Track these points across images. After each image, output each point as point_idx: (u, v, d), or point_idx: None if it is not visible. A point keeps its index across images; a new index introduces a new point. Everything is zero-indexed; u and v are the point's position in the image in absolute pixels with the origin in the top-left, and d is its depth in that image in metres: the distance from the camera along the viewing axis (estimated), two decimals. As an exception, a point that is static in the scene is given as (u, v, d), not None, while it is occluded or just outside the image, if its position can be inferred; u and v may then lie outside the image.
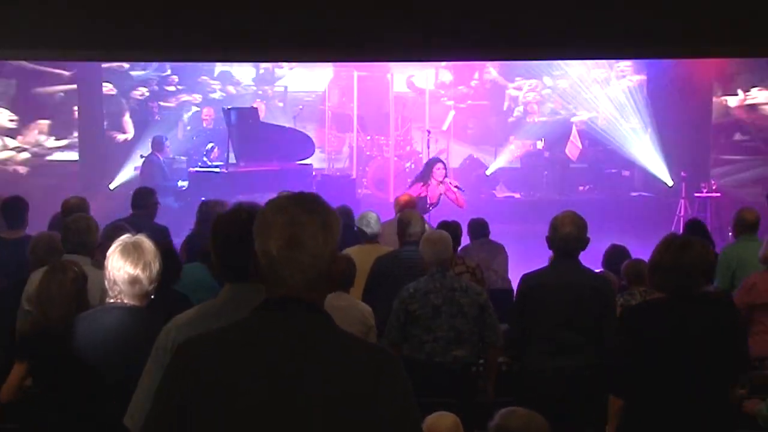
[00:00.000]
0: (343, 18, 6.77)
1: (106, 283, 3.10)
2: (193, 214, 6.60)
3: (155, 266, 3.11)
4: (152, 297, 3.14)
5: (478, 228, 6.87)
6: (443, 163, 8.60)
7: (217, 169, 11.19)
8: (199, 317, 2.40)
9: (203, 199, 8.94)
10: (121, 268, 3.05)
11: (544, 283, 4.22)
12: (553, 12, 6.76)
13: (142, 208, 6.40)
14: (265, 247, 1.79)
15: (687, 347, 3.17)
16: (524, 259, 7.23)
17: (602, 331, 4.12)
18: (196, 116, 13.36)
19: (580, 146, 13.35)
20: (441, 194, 8.48)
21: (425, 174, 8.47)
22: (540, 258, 5.70)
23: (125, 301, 3.08)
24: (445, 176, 8.42)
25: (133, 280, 3.05)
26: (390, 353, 1.86)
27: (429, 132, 11.81)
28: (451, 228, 5.61)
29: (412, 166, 12.95)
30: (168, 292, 4.53)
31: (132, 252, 3.08)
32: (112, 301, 3.10)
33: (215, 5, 6.84)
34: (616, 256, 6.26)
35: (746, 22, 6.77)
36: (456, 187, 8.43)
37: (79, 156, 12.87)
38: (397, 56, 8.90)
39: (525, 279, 4.36)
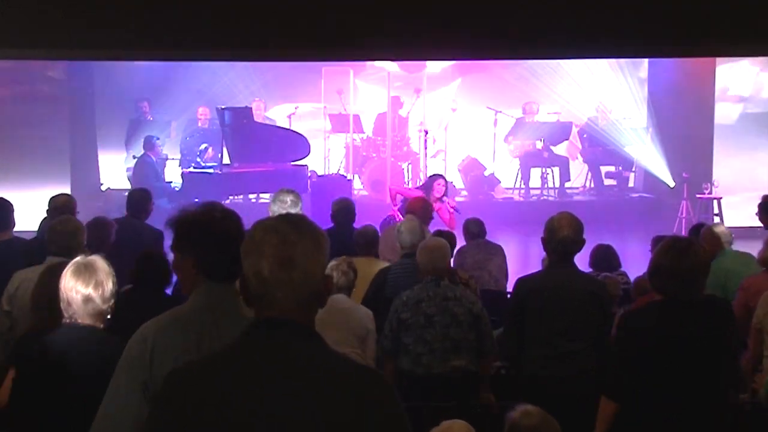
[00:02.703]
0: (339, 15, 6.79)
1: (61, 304, 3.14)
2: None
3: (108, 285, 3.14)
4: (108, 317, 3.16)
5: (475, 228, 6.90)
6: (445, 180, 8.53)
7: (210, 170, 11.22)
8: (173, 323, 2.39)
9: (196, 200, 8.99)
10: (73, 287, 3.09)
11: (541, 287, 4.20)
12: (553, 10, 6.79)
13: (137, 210, 6.41)
14: (257, 268, 1.81)
15: (685, 350, 3.20)
16: (523, 260, 7.29)
17: (600, 336, 4.13)
18: (190, 115, 13.37)
19: (580, 146, 13.40)
20: (435, 211, 8.45)
21: (426, 188, 8.43)
22: (538, 260, 5.74)
23: (79, 321, 3.11)
24: (444, 194, 8.37)
25: (86, 299, 3.09)
26: (383, 377, 1.88)
27: (426, 132, 11.83)
28: (445, 238, 5.63)
29: (409, 172, 12.99)
30: (161, 297, 4.59)
31: (83, 272, 3.12)
32: (67, 321, 3.13)
33: (209, 2, 6.86)
34: (603, 255, 6.31)
35: (752, 21, 6.79)
36: (453, 208, 8.38)
37: (71, 155, 12.87)
38: (394, 55, 8.91)
39: (520, 283, 4.34)
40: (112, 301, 3.17)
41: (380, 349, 4.63)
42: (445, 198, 8.37)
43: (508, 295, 6.64)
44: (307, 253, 1.82)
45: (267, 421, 1.72)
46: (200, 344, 2.30)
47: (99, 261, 3.18)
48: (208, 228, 2.45)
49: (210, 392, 1.76)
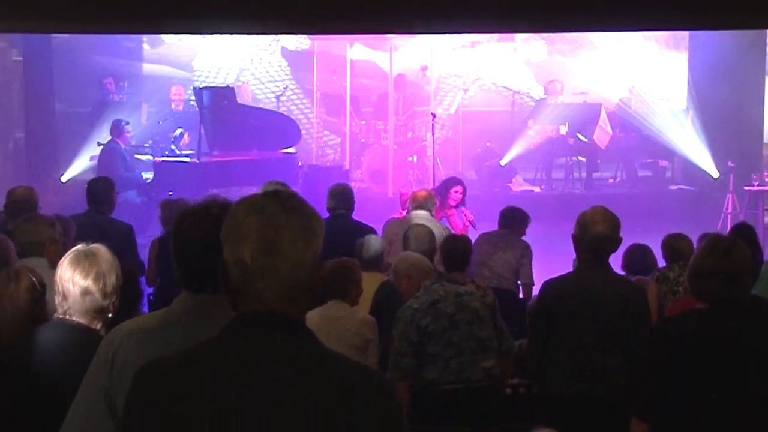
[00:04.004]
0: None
1: (56, 298, 3.12)
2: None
3: (111, 278, 3.11)
4: (110, 317, 3.13)
5: (504, 217, 7.09)
6: (464, 187, 8.43)
7: (187, 159, 11.21)
8: (150, 326, 2.40)
9: (170, 193, 8.98)
10: (70, 278, 3.07)
11: (570, 292, 4.20)
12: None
13: (101, 203, 6.40)
14: (237, 254, 1.80)
15: (729, 363, 3.20)
16: (545, 263, 7.26)
17: (636, 350, 4.12)
18: (163, 96, 13.36)
19: (611, 132, 13.37)
20: (447, 216, 8.39)
21: (441, 193, 8.36)
22: (563, 262, 5.73)
23: (74, 318, 3.09)
24: (460, 202, 8.31)
25: (84, 292, 3.06)
26: (382, 376, 1.88)
27: (434, 116, 11.82)
28: (460, 243, 5.66)
29: (415, 158, 12.97)
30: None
31: (83, 260, 3.09)
32: (59, 317, 3.11)
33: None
34: (639, 257, 6.32)
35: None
36: (470, 222, 8.34)
37: (26, 143, 12.86)
38: (403, 27, 8.85)
39: (547, 287, 4.34)
40: (115, 297, 3.14)
41: (399, 373, 4.58)
42: (463, 209, 8.31)
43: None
44: (296, 236, 1.80)
45: (255, 406, 1.72)
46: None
47: (102, 249, 3.16)
48: (181, 226, 2.43)
49: (184, 393, 1.76)
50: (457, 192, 8.28)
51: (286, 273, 1.80)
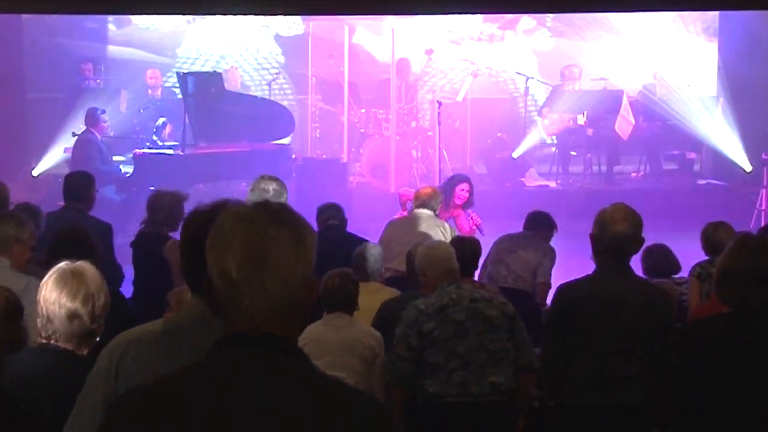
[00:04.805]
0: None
1: (38, 321, 3.12)
2: (139, 209, 6.61)
3: (100, 300, 3.12)
4: (97, 340, 3.13)
5: (530, 220, 7.22)
6: (470, 185, 8.37)
7: (170, 151, 11.20)
8: (155, 333, 2.42)
9: (152, 188, 8.96)
10: (56, 300, 3.07)
11: (589, 296, 4.19)
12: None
13: (78, 199, 6.40)
14: (222, 267, 1.81)
15: (748, 366, 3.22)
16: (562, 264, 7.26)
17: (659, 356, 4.13)
18: (143, 83, 13.36)
19: (633, 121, 13.36)
20: (454, 218, 8.35)
21: (446, 191, 8.31)
22: (581, 263, 5.72)
23: (59, 343, 3.09)
24: (467, 201, 8.26)
25: (71, 315, 3.07)
26: (380, 404, 1.90)
27: (440, 104, 11.81)
28: (468, 245, 5.66)
29: (419, 154, 12.95)
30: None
31: (69, 281, 3.10)
32: (44, 342, 3.11)
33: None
34: (659, 259, 6.30)
35: None
36: (477, 226, 8.29)
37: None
38: (406, 7, 8.85)
39: (564, 290, 4.34)
40: (103, 319, 3.15)
41: (393, 376, 4.63)
42: (469, 212, 8.27)
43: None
44: (286, 250, 1.82)
45: (249, 413, 1.73)
46: (170, 365, 2.31)
47: (88, 268, 3.17)
48: (189, 227, 2.47)
49: (174, 400, 1.77)
50: (463, 190, 8.22)
51: (275, 289, 1.81)
